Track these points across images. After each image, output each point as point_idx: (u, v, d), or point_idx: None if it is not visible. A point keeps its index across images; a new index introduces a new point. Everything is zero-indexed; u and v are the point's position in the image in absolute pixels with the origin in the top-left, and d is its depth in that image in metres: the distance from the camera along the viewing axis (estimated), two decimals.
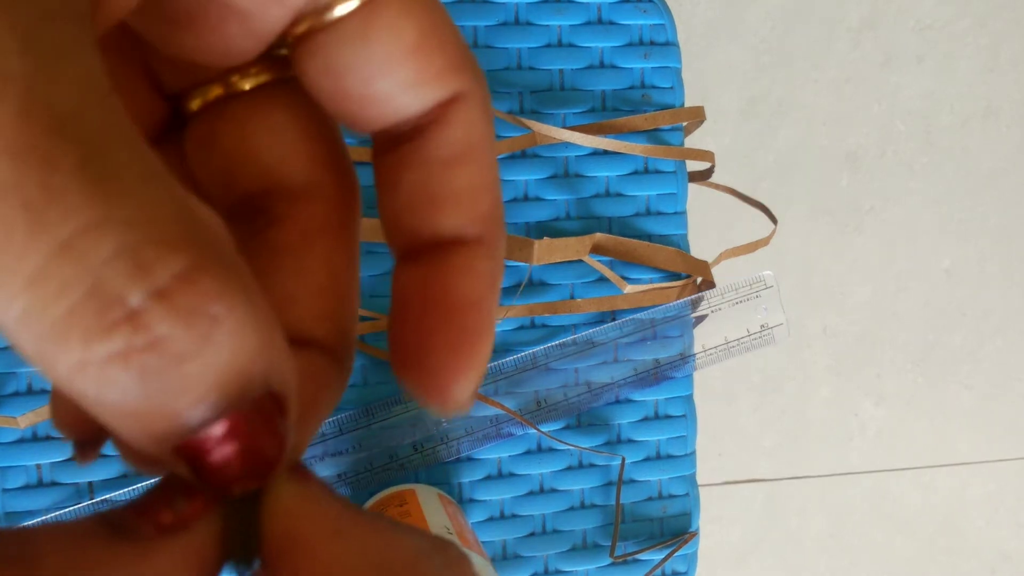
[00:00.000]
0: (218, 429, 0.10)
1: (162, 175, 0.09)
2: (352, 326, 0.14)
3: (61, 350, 0.08)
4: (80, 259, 0.08)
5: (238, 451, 0.10)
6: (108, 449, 0.41)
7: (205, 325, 0.09)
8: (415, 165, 0.13)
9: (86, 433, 0.12)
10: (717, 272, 0.48)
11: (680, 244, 0.46)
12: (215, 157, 0.13)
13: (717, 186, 0.51)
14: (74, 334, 0.08)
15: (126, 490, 0.41)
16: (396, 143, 0.13)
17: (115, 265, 0.08)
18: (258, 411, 0.10)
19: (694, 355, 0.45)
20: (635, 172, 0.45)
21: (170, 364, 0.09)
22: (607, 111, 0.45)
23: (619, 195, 0.45)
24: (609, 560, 0.45)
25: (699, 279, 0.46)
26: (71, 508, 0.40)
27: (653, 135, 0.45)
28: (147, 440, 0.10)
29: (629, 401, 0.45)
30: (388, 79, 0.12)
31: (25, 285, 0.08)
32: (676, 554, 0.45)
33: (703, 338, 0.45)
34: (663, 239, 0.45)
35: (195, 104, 0.14)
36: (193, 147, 0.14)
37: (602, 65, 0.45)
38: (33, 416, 0.39)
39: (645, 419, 0.45)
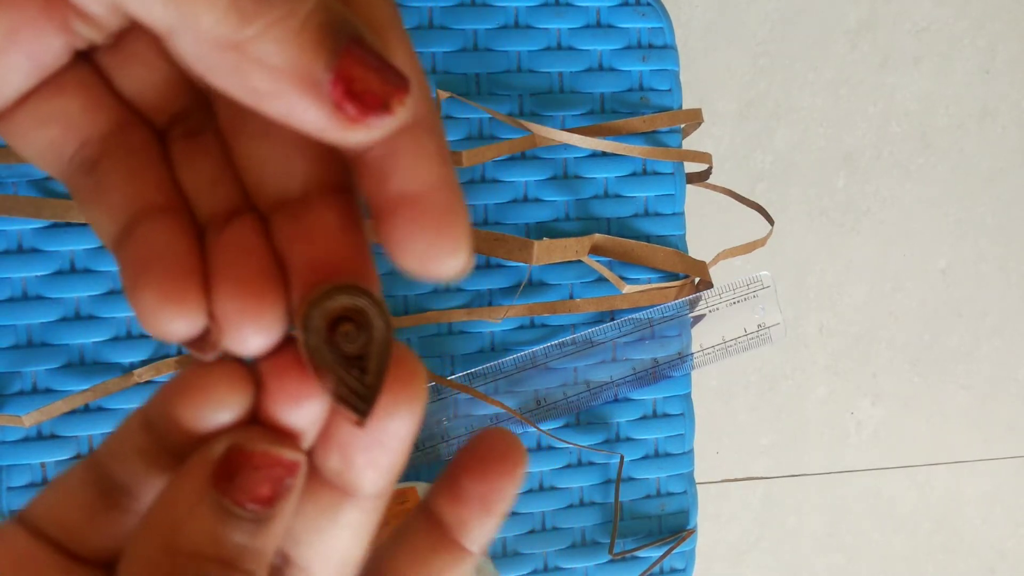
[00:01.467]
0: (347, 50, 0.12)
1: None
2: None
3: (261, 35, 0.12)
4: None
5: (364, 74, 0.12)
6: None
7: None
8: None
9: (194, 337, 0.14)
10: (715, 272, 0.48)
11: (678, 244, 0.46)
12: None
13: (715, 187, 0.51)
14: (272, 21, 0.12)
15: None
16: None
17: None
18: (358, 44, 0.12)
19: (692, 354, 0.45)
20: (634, 173, 0.46)
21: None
22: (606, 113, 0.45)
23: (618, 196, 0.45)
24: (608, 557, 0.45)
25: (697, 279, 0.46)
26: None
27: (651, 137, 0.45)
28: (296, 65, 0.12)
29: (628, 400, 0.45)
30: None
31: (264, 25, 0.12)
32: (674, 551, 0.46)
33: (701, 337, 0.45)
34: (661, 240, 0.46)
35: None
36: None
37: (601, 68, 0.45)
38: (38, 415, 0.40)
39: (643, 417, 0.46)
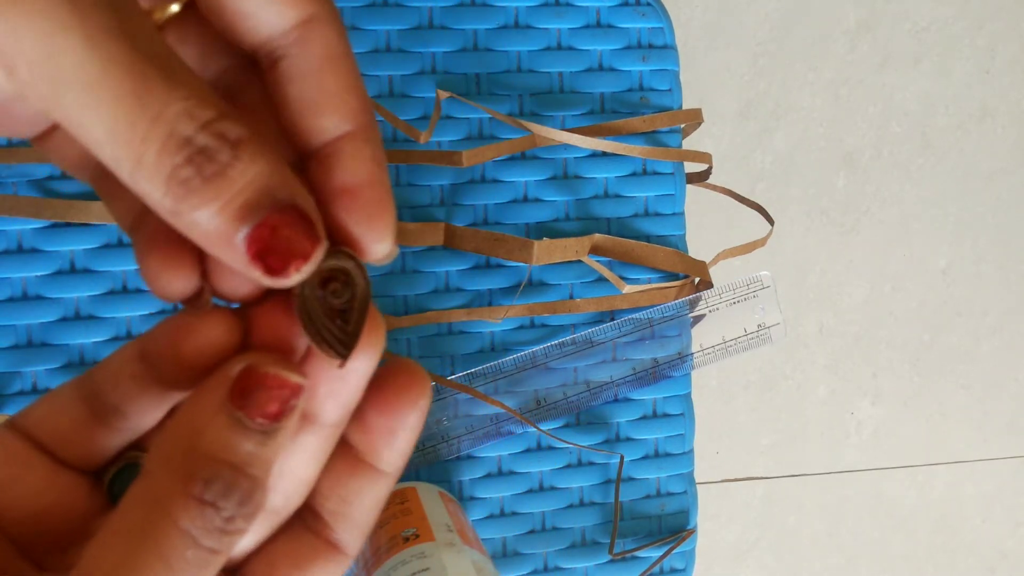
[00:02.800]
0: (261, 223, 0.15)
1: (193, 75, 0.15)
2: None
3: (158, 171, 0.15)
4: (163, 120, 0.15)
5: (278, 239, 0.15)
6: None
7: (231, 143, 0.15)
8: (291, 79, 0.17)
9: (188, 295, 0.18)
10: (715, 272, 0.48)
11: (678, 244, 0.46)
12: (215, 31, 0.18)
13: (715, 187, 0.51)
14: (164, 157, 0.15)
15: None
16: (274, 62, 0.17)
17: (180, 119, 0.15)
18: (284, 214, 0.16)
19: (692, 354, 0.45)
20: (633, 173, 0.46)
21: (216, 168, 0.15)
22: (606, 113, 0.45)
23: (618, 196, 0.45)
24: (608, 557, 0.45)
25: (697, 279, 0.46)
26: None
27: (651, 137, 0.45)
28: (219, 232, 0.15)
29: (628, 400, 0.46)
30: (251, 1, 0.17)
31: (141, 141, 0.15)
32: (674, 551, 0.46)
33: (701, 337, 0.45)
34: (661, 240, 0.46)
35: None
36: (199, 29, 0.19)
37: (601, 68, 0.45)
38: None
39: (643, 417, 0.46)
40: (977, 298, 1.11)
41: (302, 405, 0.17)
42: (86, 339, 0.41)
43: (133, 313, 0.41)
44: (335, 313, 0.17)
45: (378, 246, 0.17)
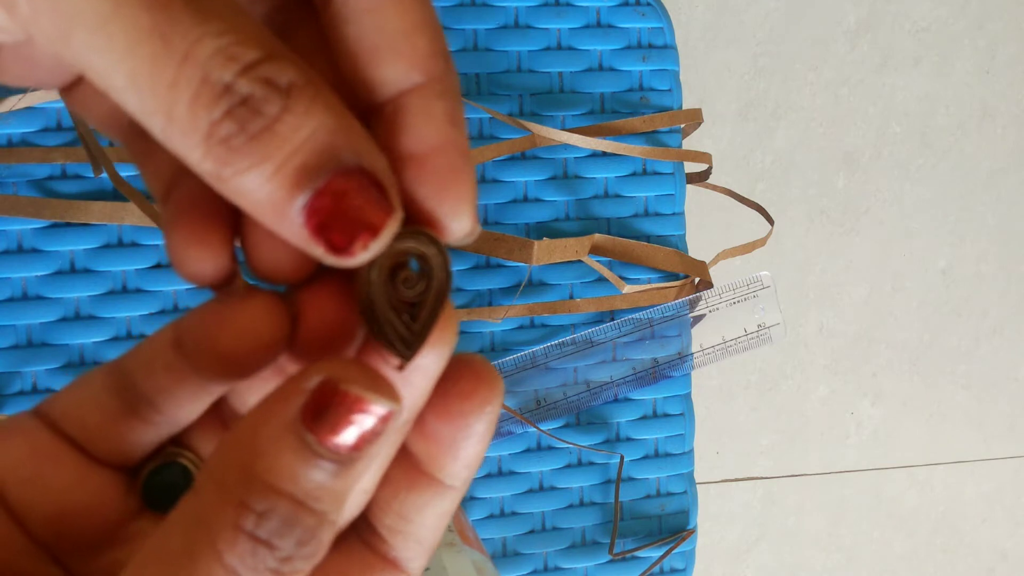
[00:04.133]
0: (322, 190, 0.13)
1: (238, 7, 0.13)
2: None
3: (193, 127, 0.12)
4: (194, 62, 0.12)
5: (343, 209, 0.13)
6: None
7: (282, 91, 0.12)
8: (347, 17, 0.14)
9: (219, 279, 0.15)
10: (715, 272, 0.48)
11: (678, 244, 0.46)
12: None
13: (715, 187, 0.51)
14: (199, 109, 0.12)
15: None
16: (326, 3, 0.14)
17: (214, 60, 0.12)
18: (350, 179, 0.13)
19: (692, 354, 0.45)
20: (633, 173, 0.46)
21: (264, 123, 0.12)
22: (606, 113, 0.45)
23: (618, 196, 0.45)
24: (608, 557, 0.45)
25: (697, 279, 0.46)
26: None
27: (651, 137, 0.45)
28: (271, 201, 0.13)
29: (628, 400, 0.46)
30: None
31: (169, 88, 0.12)
32: (674, 551, 0.46)
33: (701, 337, 0.45)
34: (661, 240, 0.46)
35: None
36: None
37: (601, 68, 0.45)
38: None
39: (643, 418, 0.46)
40: (977, 298, 1.11)
41: (391, 434, 0.14)
42: (86, 339, 0.41)
43: (133, 313, 0.41)
44: (403, 306, 0.14)
45: (454, 224, 0.14)
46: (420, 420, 0.16)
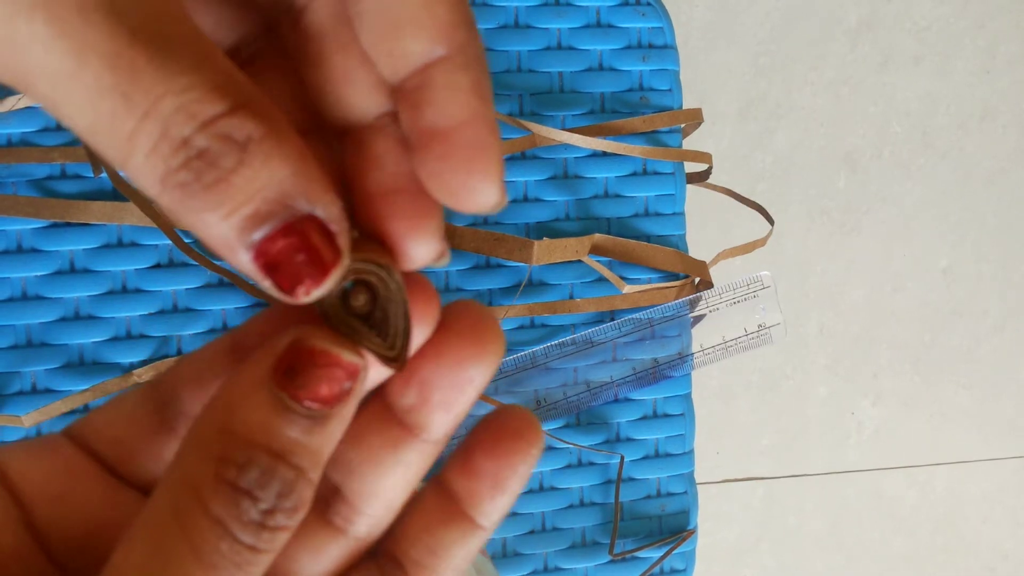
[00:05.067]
0: (272, 235, 0.13)
1: (207, 53, 0.13)
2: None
3: (150, 172, 0.13)
4: (154, 118, 0.12)
5: (290, 255, 0.13)
6: None
7: (239, 145, 0.13)
8: None
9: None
10: (715, 272, 0.48)
11: (678, 244, 0.46)
12: None
13: (715, 187, 0.51)
14: (156, 160, 0.13)
15: None
16: None
17: (175, 118, 0.12)
18: (299, 226, 0.13)
19: (692, 354, 0.45)
20: (634, 173, 0.45)
21: (219, 174, 0.13)
22: (606, 113, 0.45)
23: (618, 196, 0.45)
24: (608, 558, 0.45)
25: (697, 279, 0.46)
26: None
27: (651, 137, 0.45)
28: (227, 244, 0.13)
29: (628, 400, 0.45)
30: None
31: (127, 140, 0.12)
32: (674, 552, 0.46)
33: (701, 338, 0.45)
34: (661, 239, 0.46)
35: None
36: None
37: (601, 68, 0.45)
38: (37, 415, 0.40)
39: (644, 418, 0.46)
40: (978, 298, 1.10)
41: (360, 390, 0.14)
42: (86, 339, 0.41)
43: (133, 313, 0.41)
44: (368, 325, 0.15)
45: (481, 197, 0.14)
46: (466, 458, 0.16)
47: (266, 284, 0.14)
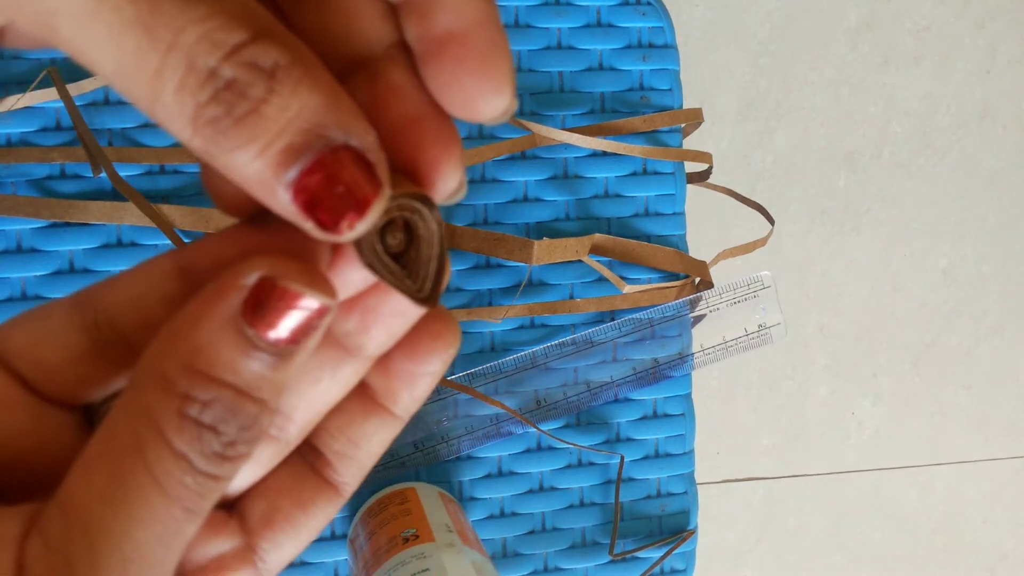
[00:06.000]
0: (309, 169, 0.13)
1: None
2: None
3: (180, 111, 0.12)
4: (179, 50, 0.12)
5: (330, 188, 0.13)
6: None
7: (266, 73, 0.13)
8: None
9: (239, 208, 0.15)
10: (715, 272, 0.48)
11: (678, 244, 0.46)
12: None
13: (715, 187, 0.51)
14: (185, 95, 0.12)
15: None
16: None
17: (198, 47, 0.12)
18: (336, 157, 0.13)
19: (692, 354, 0.45)
20: (634, 173, 0.45)
21: (249, 106, 0.12)
22: (606, 113, 0.45)
23: (618, 196, 0.45)
24: (608, 558, 0.45)
25: (697, 279, 0.46)
26: None
27: (652, 136, 0.45)
28: (260, 179, 0.13)
29: (628, 400, 0.45)
30: None
31: (154, 77, 0.12)
32: (675, 552, 0.46)
33: (701, 338, 0.45)
34: (662, 239, 0.46)
35: None
36: None
37: (601, 67, 0.45)
38: None
39: (644, 418, 0.46)
40: (978, 298, 1.10)
41: (325, 327, 0.14)
42: None
43: None
44: (400, 263, 0.15)
45: (495, 101, 0.14)
46: (387, 358, 0.17)
47: (308, 225, 0.13)
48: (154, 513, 0.14)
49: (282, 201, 0.13)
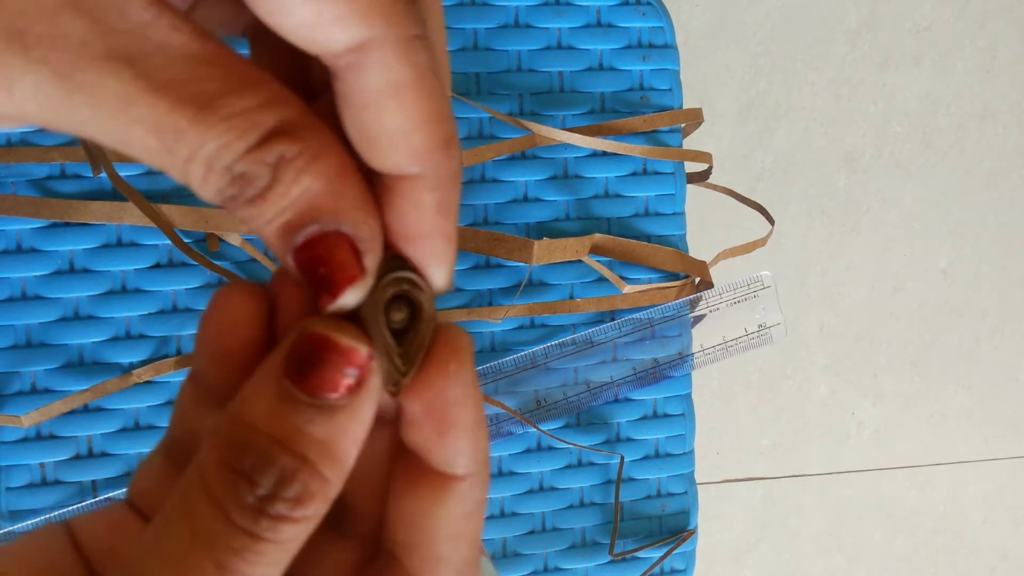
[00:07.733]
0: (307, 243, 0.14)
1: (244, 80, 0.14)
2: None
3: (207, 193, 0.14)
4: (199, 161, 0.14)
5: (314, 266, 0.14)
6: (110, 448, 0.41)
7: (270, 166, 0.14)
8: (347, 105, 0.15)
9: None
10: (715, 272, 0.48)
11: (678, 244, 0.46)
12: (278, 48, 0.16)
13: (715, 187, 0.51)
14: (209, 185, 0.14)
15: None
16: (332, 81, 0.15)
17: (217, 156, 0.14)
18: (326, 240, 0.14)
19: (692, 354, 0.45)
20: (634, 173, 0.45)
21: (257, 191, 0.14)
22: (606, 113, 0.45)
23: (618, 196, 0.45)
24: (608, 558, 0.45)
25: (697, 279, 0.46)
26: (75, 507, 0.40)
27: (652, 136, 0.45)
28: (271, 241, 0.15)
29: (628, 400, 0.45)
30: (299, 10, 0.14)
31: (182, 174, 0.14)
32: (674, 552, 0.46)
33: (701, 338, 0.45)
34: (662, 239, 0.46)
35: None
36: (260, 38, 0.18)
37: (601, 67, 0.45)
38: (37, 415, 0.40)
39: (644, 418, 0.46)
40: (978, 298, 1.10)
41: (372, 385, 0.15)
42: (85, 339, 0.41)
43: (132, 313, 0.41)
44: (398, 342, 0.15)
45: (435, 279, 0.16)
46: (406, 409, 0.16)
47: (307, 286, 0.15)
48: (186, 563, 0.14)
49: (287, 262, 0.15)
